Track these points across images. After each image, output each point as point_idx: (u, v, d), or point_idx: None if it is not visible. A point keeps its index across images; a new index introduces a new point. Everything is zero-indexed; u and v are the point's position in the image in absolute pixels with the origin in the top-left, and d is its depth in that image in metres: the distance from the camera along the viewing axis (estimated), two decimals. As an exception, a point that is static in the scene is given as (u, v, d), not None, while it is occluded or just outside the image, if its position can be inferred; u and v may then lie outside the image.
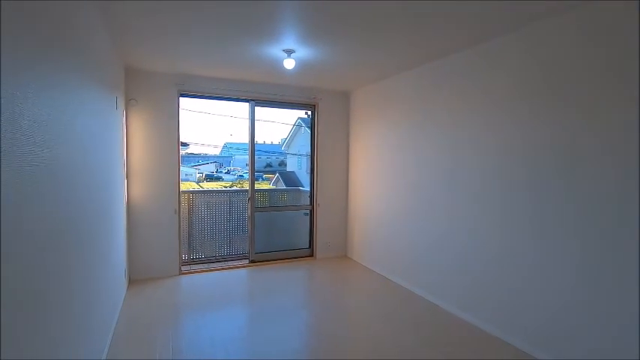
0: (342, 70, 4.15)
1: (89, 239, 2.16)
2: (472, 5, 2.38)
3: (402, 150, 4.23)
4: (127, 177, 4.14)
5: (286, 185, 10.08)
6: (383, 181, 4.63)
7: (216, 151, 18.88)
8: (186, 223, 4.91)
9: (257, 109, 4.97)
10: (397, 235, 4.34)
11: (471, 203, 3.27)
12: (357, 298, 3.96)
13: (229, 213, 5.27)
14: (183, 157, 4.70)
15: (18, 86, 1.13)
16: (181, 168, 4.61)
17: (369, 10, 2.47)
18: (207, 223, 5.14)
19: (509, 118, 2.90)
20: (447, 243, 3.56)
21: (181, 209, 4.62)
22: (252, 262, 5.05)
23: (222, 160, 18.72)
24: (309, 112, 5.47)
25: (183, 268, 4.64)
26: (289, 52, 3.42)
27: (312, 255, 5.45)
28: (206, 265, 4.90)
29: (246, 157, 5.14)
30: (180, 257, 4.59)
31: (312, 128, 5.42)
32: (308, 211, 5.51)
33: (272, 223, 5.40)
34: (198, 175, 15.69)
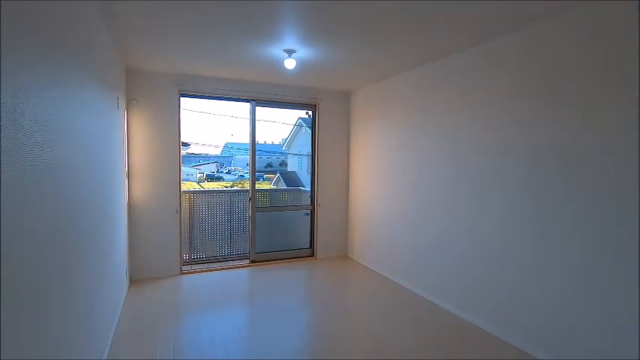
0: (343, 70, 4.15)
1: (90, 239, 2.17)
2: (472, 5, 2.38)
3: (403, 150, 4.24)
4: (128, 177, 4.15)
5: (287, 185, 10.08)
6: (383, 181, 4.63)
7: (217, 151, 18.89)
8: (187, 223, 4.92)
9: (258, 109, 4.97)
10: (397, 235, 4.34)
11: (471, 203, 3.27)
12: (357, 298, 3.96)
13: (230, 213, 5.28)
14: (184, 157, 4.71)
15: (19, 86, 1.13)
16: (182, 168, 4.62)
17: (369, 10, 2.47)
18: (208, 223, 5.15)
19: (510, 118, 2.90)
20: (447, 243, 3.56)
21: (182, 209, 4.62)
22: (253, 262, 5.05)
23: (222, 160, 18.73)
24: (310, 112, 5.47)
25: (184, 267, 4.65)
26: (290, 52, 3.42)
27: (312, 255, 5.45)
28: (207, 265, 4.91)
29: (247, 157, 5.15)
30: (181, 257, 4.60)
31: (312, 128, 5.42)
32: (309, 211, 5.51)
33: (273, 223, 5.41)
34: (199, 175, 15.70)
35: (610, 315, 2.24)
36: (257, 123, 4.99)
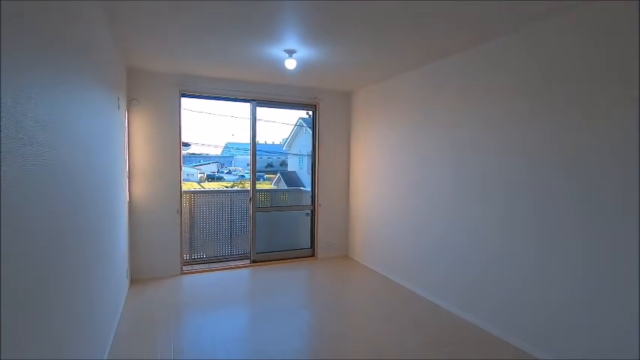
0: (343, 71, 4.16)
1: (91, 239, 2.17)
2: (472, 5, 2.38)
3: (404, 150, 4.24)
4: (128, 177, 4.16)
5: (287, 185, 10.08)
6: (384, 181, 4.63)
7: (218, 151, 18.89)
8: (187, 223, 4.92)
9: (258, 109, 4.98)
10: (398, 235, 4.34)
11: (472, 203, 3.28)
12: (357, 298, 3.97)
13: (231, 213, 5.29)
14: (184, 157, 4.71)
15: (21, 87, 1.14)
16: (183, 168, 4.63)
17: (369, 10, 2.47)
18: (209, 223, 5.16)
19: (510, 118, 2.91)
20: (447, 243, 3.57)
21: (183, 209, 4.63)
22: (254, 262, 5.06)
23: (223, 160, 18.73)
24: (310, 113, 5.48)
25: (184, 268, 4.66)
26: (290, 53, 3.43)
27: (313, 255, 5.45)
28: (207, 265, 4.92)
29: (248, 157, 5.15)
30: (182, 257, 4.60)
31: (313, 128, 5.43)
32: (309, 211, 5.52)
33: (273, 224, 5.41)
34: (199, 175, 15.71)
35: (610, 315, 2.24)
36: (257, 123, 5.00)
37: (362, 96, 5.14)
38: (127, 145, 4.05)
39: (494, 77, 3.05)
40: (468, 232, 3.32)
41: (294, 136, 11.85)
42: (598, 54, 2.30)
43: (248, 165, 5.18)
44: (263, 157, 14.80)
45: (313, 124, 5.41)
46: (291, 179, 10.55)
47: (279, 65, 3.83)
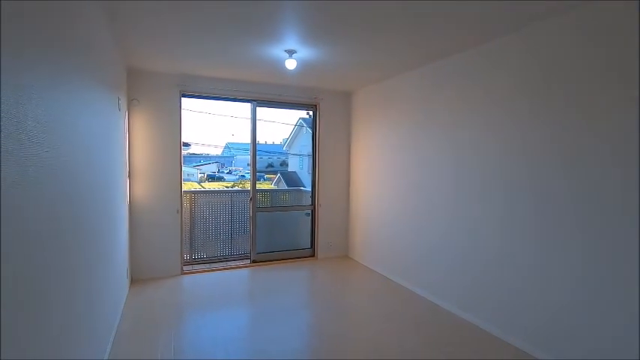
0: (344, 71, 4.16)
1: (91, 239, 2.18)
2: (472, 5, 2.38)
3: (404, 150, 4.24)
4: (129, 177, 4.17)
5: (288, 185, 10.08)
6: (384, 181, 4.63)
7: (218, 151, 18.90)
8: (188, 223, 4.93)
9: (259, 109, 4.98)
10: (398, 235, 4.34)
11: (472, 203, 3.28)
12: (358, 298, 3.97)
13: (231, 213, 5.29)
14: (185, 157, 4.72)
15: (22, 87, 1.14)
16: (183, 168, 4.63)
17: (369, 10, 2.48)
18: (209, 223, 5.16)
19: (510, 118, 2.91)
20: (447, 243, 3.57)
21: (183, 209, 4.63)
22: (254, 262, 5.06)
23: (223, 160, 18.75)
24: (311, 113, 5.48)
25: (185, 268, 4.66)
26: (291, 53, 3.43)
27: (313, 255, 5.46)
28: (208, 265, 4.92)
29: (248, 158, 5.16)
30: (182, 257, 4.61)
31: (313, 128, 5.43)
32: (309, 212, 5.52)
33: (274, 224, 5.41)
34: (199, 175, 15.72)
35: (610, 315, 2.24)
36: (258, 123, 5.00)
37: (362, 96, 5.14)
38: (127, 145, 4.05)
39: (494, 77, 3.05)
40: (468, 232, 3.33)
41: (295, 136, 11.85)
42: (598, 54, 2.30)
43: (248, 165, 5.19)
44: (263, 157, 14.81)
45: (313, 124, 5.41)
46: (292, 179, 10.55)
47: (279, 65, 3.83)
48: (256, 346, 2.87)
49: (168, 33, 3.01)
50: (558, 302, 2.54)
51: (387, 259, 4.57)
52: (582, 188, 2.39)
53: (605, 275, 2.26)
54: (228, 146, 19.22)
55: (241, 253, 5.26)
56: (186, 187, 6.90)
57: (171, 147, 4.42)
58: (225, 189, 9.84)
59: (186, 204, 4.88)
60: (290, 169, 12.82)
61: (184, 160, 4.71)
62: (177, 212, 4.49)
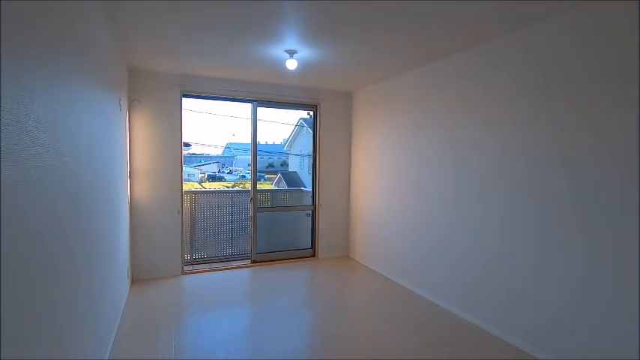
0: (344, 71, 4.16)
1: (92, 239, 2.18)
2: (472, 5, 2.38)
3: (404, 150, 4.24)
4: (130, 177, 4.17)
5: (288, 185, 10.08)
6: (385, 181, 4.64)
7: (219, 152, 18.92)
8: (188, 223, 4.94)
9: (259, 109, 4.99)
10: (398, 235, 4.34)
11: (472, 203, 3.28)
12: (358, 298, 3.97)
13: (231, 213, 5.30)
14: (185, 157, 4.72)
15: (23, 87, 1.15)
16: (184, 168, 4.64)
17: (369, 10, 2.48)
18: (210, 223, 5.17)
19: (510, 118, 2.91)
20: (447, 243, 3.57)
21: (184, 209, 4.64)
22: (255, 262, 5.07)
23: (224, 161, 18.76)
24: (311, 113, 5.48)
25: (185, 268, 4.67)
26: (291, 53, 3.43)
27: (314, 255, 5.46)
28: (208, 265, 4.93)
29: (249, 158, 5.16)
30: (183, 257, 4.61)
31: (314, 128, 5.43)
32: (310, 212, 5.52)
33: (274, 224, 5.42)
34: (200, 176, 15.73)
35: (610, 315, 2.24)
36: (258, 123, 5.01)
37: (362, 96, 5.14)
38: (128, 145, 4.06)
39: (494, 77, 3.05)
40: (468, 232, 3.33)
41: (295, 136, 11.86)
42: (598, 54, 2.30)
43: (249, 165, 5.19)
44: (264, 157, 14.82)
45: (314, 124, 5.41)
46: (292, 179, 10.55)
47: (279, 65, 3.83)
48: (257, 346, 2.88)
49: (168, 33, 3.01)
50: (558, 302, 2.54)
51: (387, 259, 4.58)
52: (582, 188, 2.39)
53: (605, 275, 2.26)
54: (228, 146, 19.24)
55: (242, 253, 5.27)
56: (187, 187, 6.90)
57: (172, 147, 4.43)
58: (226, 189, 9.85)
59: (186, 204, 4.89)
60: (290, 169, 12.83)
61: (185, 160, 4.71)
62: (178, 212, 4.50)
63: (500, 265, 3.00)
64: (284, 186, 10.25)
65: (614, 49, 2.21)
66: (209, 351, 2.76)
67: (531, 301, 2.73)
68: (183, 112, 4.52)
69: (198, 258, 5.07)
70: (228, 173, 17.43)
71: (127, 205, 4.00)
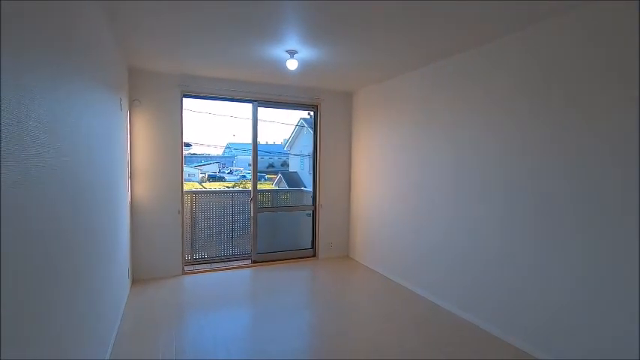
0: (344, 71, 4.16)
1: (93, 239, 2.19)
2: (472, 5, 2.38)
3: (405, 150, 4.24)
4: (130, 177, 4.18)
5: (289, 186, 10.08)
6: (385, 181, 4.64)
7: (219, 152, 18.91)
8: (189, 223, 4.94)
9: (260, 109, 4.99)
10: (399, 235, 4.34)
11: (473, 203, 3.28)
12: (358, 298, 3.97)
13: (232, 213, 5.30)
14: (186, 157, 4.73)
15: (23, 87, 1.15)
16: (184, 168, 4.64)
17: (369, 10, 2.48)
18: (210, 223, 5.17)
19: (510, 118, 2.91)
20: (447, 243, 3.57)
21: (184, 209, 4.64)
22: (255, 262, 5.07)
23: (224, 161, 18.75)
24: (312, 113, 5.48)
25: (186, 268, 4.67)
26: (292, 53, 3.44)
27: (314, 255, 5.46)
28: (209, 265, 4.93)
29: (249, 158, 5.17)
30: (184, 257, 4.62)
31: (314, 129, 5.43)
32: (310, 212, 5.53)
33: (275, 224, 5.42)
34: (200, 176, 15.73)
35: (610, 315, 2.24)
36: (259, 123, 5.01)
37: (363, 96, 5.14)
38: (128, 145, 4.06)
39: (494, 77, 3.05)
40: (468, 232, 3.33)
41: (296, 136, 11.84)
42: (598, 54, 2.30)
43: (249, 165, 5.19)
44: (264, 157, 14.81)
45: (314, 124, 5.41)
46: (293, 179, 10.55)
47: (280, 66, 3.84)
48: (257, 346, 2.88)
49: (168, 33, 3.02)
50: (558, 302, 2.54)
51: (387, 259, 4.58)
52: (582, 188, 2.39)
53: (605, 275, 2.26)
54: (229, 146, 19.22)
55: (242, 253, 5.27)
56: (188, 187, 6.90)
57: (173, 147, 4.43)
58: (227, 189, 9.84)
59: (187, 204, 4.90)
60: (291, 169, 12.81)
61: (185, 160, 4.72)
62: (179, 212, 4.50)
63: (500, 265, 3.00)
64: (284, 186, 10.24)
65: (614, 49, 2.21)
66: (210, 351, 2.77)
67: (531, 301, 2.73)
68: (184, 112, 4.53)
69: (199, 258, 5.07)
70: (228, 173, 17.42)
71: (128, 205, 4.00)
